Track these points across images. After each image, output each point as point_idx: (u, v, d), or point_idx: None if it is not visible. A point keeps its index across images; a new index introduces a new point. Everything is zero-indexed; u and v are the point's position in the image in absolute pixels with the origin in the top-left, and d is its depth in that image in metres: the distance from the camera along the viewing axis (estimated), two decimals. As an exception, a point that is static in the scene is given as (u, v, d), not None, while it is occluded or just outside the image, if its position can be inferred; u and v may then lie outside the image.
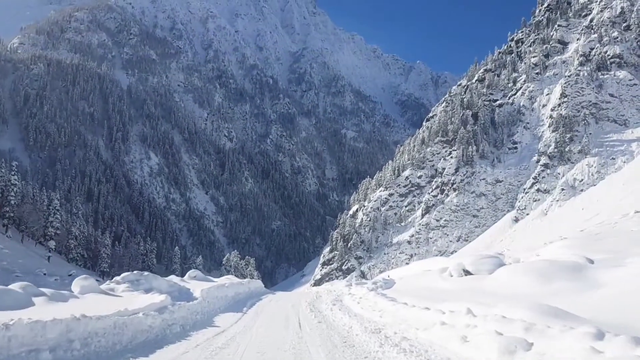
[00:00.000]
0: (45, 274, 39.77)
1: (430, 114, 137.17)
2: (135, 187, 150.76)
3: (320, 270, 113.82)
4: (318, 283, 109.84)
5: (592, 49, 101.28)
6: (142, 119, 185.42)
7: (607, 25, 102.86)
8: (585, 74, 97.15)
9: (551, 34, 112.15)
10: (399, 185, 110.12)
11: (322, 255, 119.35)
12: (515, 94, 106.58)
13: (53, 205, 50.78)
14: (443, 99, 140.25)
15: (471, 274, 18.20)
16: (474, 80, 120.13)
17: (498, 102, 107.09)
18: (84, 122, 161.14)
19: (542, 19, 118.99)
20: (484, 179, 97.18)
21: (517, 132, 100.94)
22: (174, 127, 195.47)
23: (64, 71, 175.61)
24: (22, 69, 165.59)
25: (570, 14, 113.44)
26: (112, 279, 49.97)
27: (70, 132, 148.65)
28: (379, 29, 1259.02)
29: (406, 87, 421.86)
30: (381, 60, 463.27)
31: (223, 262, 55.27)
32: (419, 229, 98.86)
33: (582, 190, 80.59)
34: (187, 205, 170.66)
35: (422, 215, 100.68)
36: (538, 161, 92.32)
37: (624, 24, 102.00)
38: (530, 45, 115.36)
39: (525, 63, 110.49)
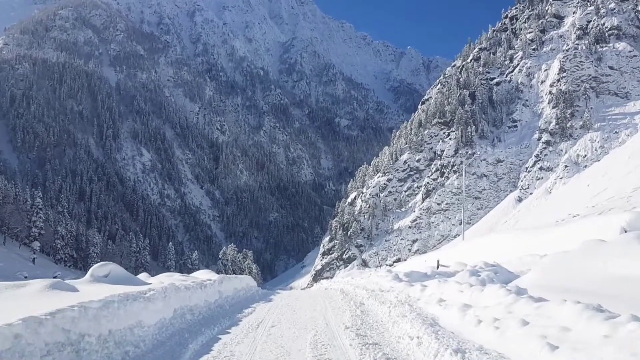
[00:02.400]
0: (26, 277, 37.10)
1: (425, 97, 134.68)
2: (128, 184, 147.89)
3: (321, 260, 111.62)
4: (319, 274, 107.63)
5: (589, 21, 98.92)
6: (133, 116, 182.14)
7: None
8: (584, 48, 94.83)
9: (546, 8, 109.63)
10: (397, 170, 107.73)
11: (322, 245, 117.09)
12: (512, 72, 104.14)
13: (36, 204, 48.11)
14: (438, 81, 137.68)
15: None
16: (469, 60, 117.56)
17: (495, 81, 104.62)
18: (72, 120, 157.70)
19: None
20: (484, 159, 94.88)
21: (517, 110, 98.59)
22: (165, 123, 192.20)
23: (50, 70, 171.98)
24: (7, 69, 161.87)
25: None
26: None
27: (59, 131, 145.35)
28: (368, 16, 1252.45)
29: (398, 73, 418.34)
30: (372, 47, 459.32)
31: (219, 256, 52.88)
32: (420, 214, 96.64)
33: (586, 166, 78.38)
34: (182, 201, 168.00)
35: (423, 200, 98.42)
36: (539, 139, 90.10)
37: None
38: (525, 22, 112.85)
39: (521, 39, 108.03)
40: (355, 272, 39.91)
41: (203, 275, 20.53)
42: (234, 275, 22.91)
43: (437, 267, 21.11)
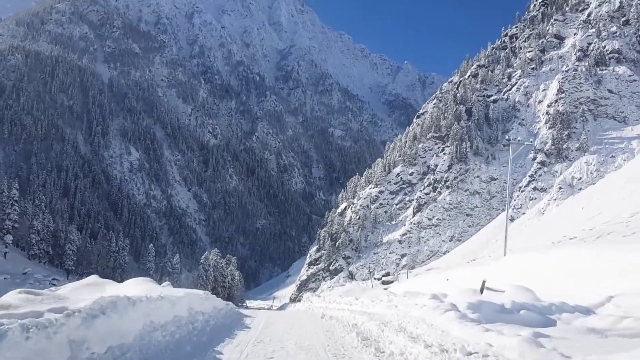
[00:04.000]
0: (-8, 272, 34.86)
1: (421, 111, 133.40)
2: (114, 182, 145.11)
3: (307, 270, 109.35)
4: (304, 284, 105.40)
5: (590, 43, 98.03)
6: (123, 113, 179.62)
7: (606, 19, 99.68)
8: (583, 69, 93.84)
9: (547, 28, 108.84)
10: (390, 182, 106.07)
11: (309, 254, 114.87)
12: (510, 90, 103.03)
13: (11, 195, 45.77)
14: (434, 95, 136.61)
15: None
16: (466, 76, 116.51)
17: (492, 98, 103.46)
18: (62, 115, 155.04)
19: (537, 14, 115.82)
20: (478, 176, 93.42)
21: (512, 128, 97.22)
22: (156, 122, 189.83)
23: (43, 63, 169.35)
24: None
25: (566, 9, 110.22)
26: (80, 277, 44.77)
27: (48, 125, 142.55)
28: (367, 29, 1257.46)
29: (394, 87, 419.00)
30: (369, 59, 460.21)
31: (201, 261, 50.68)
32: (410, 228, 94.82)
33: (580, 189, 77.03)
34: (169, 203, 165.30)
35: (414, 214, 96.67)
36: (534, 159, 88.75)
37: (623, 19, 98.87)
38: (525, 41, 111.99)
39: (520, 58, 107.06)
40: (355, 287, 33.62)
41: (133, 287, 15.16)
42: (183, 292, 15.55)
43: (482, 291, 15.30)
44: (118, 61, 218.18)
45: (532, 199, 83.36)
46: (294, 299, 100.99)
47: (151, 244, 66.73)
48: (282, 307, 51.24)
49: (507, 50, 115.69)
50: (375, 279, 61.73)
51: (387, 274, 69.63)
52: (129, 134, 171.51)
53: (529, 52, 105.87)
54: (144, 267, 58.37)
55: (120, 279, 59.88)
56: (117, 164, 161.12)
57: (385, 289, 39.39)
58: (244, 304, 61.64)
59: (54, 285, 40.34)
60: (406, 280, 52.14)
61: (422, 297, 15.14)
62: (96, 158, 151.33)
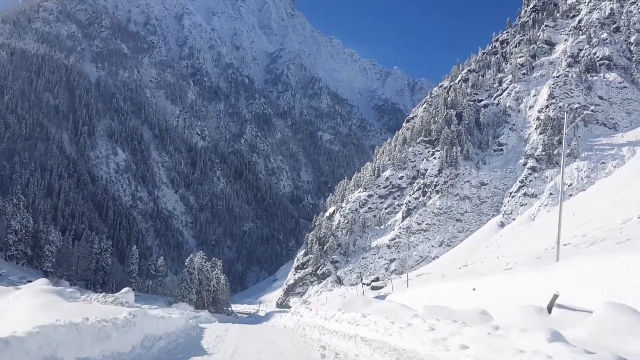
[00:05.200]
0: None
1: (411, 115, 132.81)
2: (99, 183, 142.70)
3: (294, 274, 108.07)
4: (291, 288, 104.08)
5: (580, 50, 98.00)
6: (110, 114, 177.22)
7: (596, 26, 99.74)
8: (574, 76, 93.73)
9: (538, 34, 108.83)
10: (379, 186, 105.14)
11: (296, 258, 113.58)
12: (500, 95, 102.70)
13: (-14, 193, 44.10)
14: (424, 100, 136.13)
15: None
16: (457, 81, 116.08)
17: (483, 103, 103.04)
18: (47, 114, 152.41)
19: (528, 20, 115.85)
20: (468, 181, 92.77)
21: (503, 133, 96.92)
22: (143, 123, 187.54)
23: (29, 61, 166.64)
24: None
25: (557, 15, 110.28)
26: (59, 278, 43.11)
27: (32, 124, 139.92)
28: (356, 34, 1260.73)
29: (383, 92, 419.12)
30: (358, 64, 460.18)
31: (186, 264, 49.21)
32: (400, 233, 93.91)
33: (571, 195, 76.53)
34: (155, 204, 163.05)
35: (403, 218, 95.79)
36: (525, 164, 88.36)
37: (613, 26, 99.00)
38: (516, 46, 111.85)
39: (511, 63, 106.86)
40: (356, 299, 25.78)
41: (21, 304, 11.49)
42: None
43: (550, 309, 11.46)
44: (106, 61, 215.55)
45: (522, 205, 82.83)
46: (281, 304, 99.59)
47: (134, 246, 65.01)
48: (267, 317, 49.29)
49: (497, 56, 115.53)
50: (364, 284, 60.60)
51: (377, 279, 68.57)
52: (116, 134, 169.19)
53: (519, 57, 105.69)
54: (128, 269, 56.83)
55: (103, 282, 58.49)
56: (103, 164, 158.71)
57: (383, 295, 37.91)
58: (229, 308, 60.22)
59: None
60: (406, 289, 44.21)
61: (478, 323, 11.11)
62: (82, 158, 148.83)
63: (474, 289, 23.24)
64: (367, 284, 61.72)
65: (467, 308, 14.51)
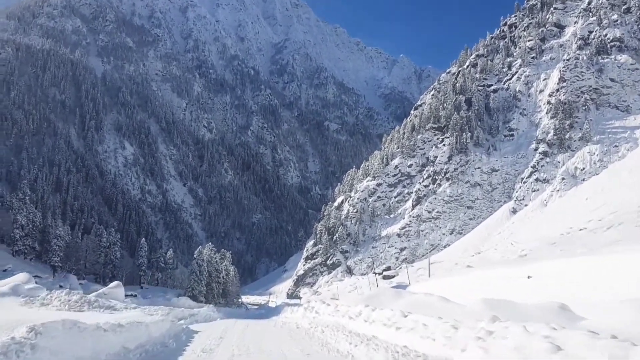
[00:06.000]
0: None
1: (419, 102, 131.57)
2: (108, 177, 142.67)
3: (304, 265, 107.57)
4: (301, 279, 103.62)
5: (590, 32, 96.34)
6: (117, 108, 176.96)
7: (606, 7, 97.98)
8: (585, 58, 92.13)
9: (547, 17, 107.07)
10: (388, 174, 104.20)
11: (306, 249, 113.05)
12: (510, 79, 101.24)
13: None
14: (431, 86, 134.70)
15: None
16: (465, 66, 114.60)
17: (492, 88, 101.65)
18: (54, 109, 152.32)
19: (537, 3, 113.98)
20: (479, 167, 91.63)
21: (514, 118, 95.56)
22: (150, 117, 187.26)
23: (34, 56, 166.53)
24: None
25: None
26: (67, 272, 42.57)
27: (39, 119, 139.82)
28: (361, 22, 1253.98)
29: (389, 80, 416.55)
30: (364, 53, 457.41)
31: (195, 256, 48.72)
32: (410, 221, 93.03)
33: (584, 180, 75.45)
34: (164, 198, 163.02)
35: (413, 207, 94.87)
36: (536, 149, 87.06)
37: (624, 7, 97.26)
38: (524, 30, 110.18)
39: (520, 47, 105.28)
40: (384, 292, 22.94)
41: None
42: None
43: None
44: (111, 55, 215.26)
45: (534, 191, 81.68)
46: (292, 295, 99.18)
47: (143, 239, 64.64)
48: (277, 309, 48.14)
49: (506, 40, 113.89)
50: (375, 273, 59.87)
51: (388, 268, 67.86)
52: (123, 128, 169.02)
53: (529, 41, 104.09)
54: (137, 262, 56.56)
55: (112, 275, 58.20)
56: (112, 158, 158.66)
57: (402, 285, 36.99)
58: (240, 300, 59.83)
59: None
60: (428, 280, 39.61)
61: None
62: (90, 153, 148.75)
63: (529, 277, 20.04)
64: (379, 273, 61.01)
65: (537, 302, 11.86)
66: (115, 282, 35.11)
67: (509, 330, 8.47)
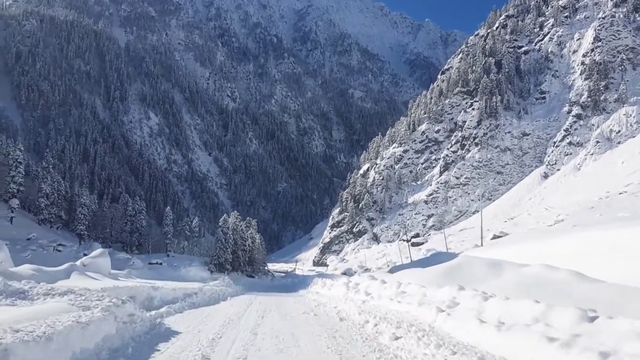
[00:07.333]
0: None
1: (446, 67, 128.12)
2: (134, 147, 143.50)
3: (329, 233, 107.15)
4: (327, 247, 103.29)
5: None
6: (141, 78, 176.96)
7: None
8: (621, 16, 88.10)
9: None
10: (415, 140, 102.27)
11: (331, 217, 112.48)
12: (542, 40, 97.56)
13: (15, 157, 43.44)
14: (459, 50, 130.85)
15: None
16: (495, 28, 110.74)
17: (523, 49, 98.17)
18: (79, 80, 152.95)
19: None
20: (509, 132, 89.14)
21: (545, 80, 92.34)
22: (174, 87, 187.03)
23: (58, 28, 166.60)
24: (14, 25, 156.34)
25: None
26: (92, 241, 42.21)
27: (65, 90, 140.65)
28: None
29: (415, 46, 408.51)
30: (388, 18, 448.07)
31: (220, 224, 48.23)
32: (437, 188, 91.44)
33: (619, 143, 72.80)
34: (190, 167, 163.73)
35: (441, 173, 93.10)
36: (569, 112, 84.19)
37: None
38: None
39: (552, 6, 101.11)
40: (472, 263, 17.84)
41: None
42: None
43: None
44: (134, 25, 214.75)
45: (567, 155, 79.27)
46: (318, 262, 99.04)
47: (168, 208, 64.44)
48: (304, 282, 42.61)
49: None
50: (404, 240, 58.83)
51: (417, 235, 66.81)
52: (148, 98, 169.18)
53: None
54: (163, 230, 56.59)
55: (138, 243, 58.60)
56: (137, 129, 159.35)
57: (427, 251, 35.50)
58: (266, 268, 59.60)
59: (59, 251, 38.24)
60: (489, 248, 31.61)
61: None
62: (115, 123, 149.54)
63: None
64: (407, 240, 59.97)
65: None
66: (99, 250, 28.26)
67: None
